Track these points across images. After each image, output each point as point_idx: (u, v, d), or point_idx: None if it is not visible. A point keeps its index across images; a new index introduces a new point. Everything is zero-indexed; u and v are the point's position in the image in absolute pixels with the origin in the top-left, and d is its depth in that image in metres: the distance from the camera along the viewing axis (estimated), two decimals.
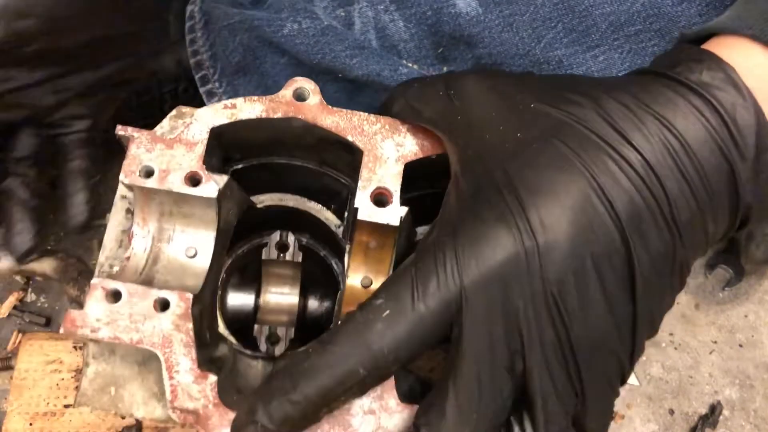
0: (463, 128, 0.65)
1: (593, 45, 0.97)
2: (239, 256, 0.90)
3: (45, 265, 0.88)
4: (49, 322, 1.20)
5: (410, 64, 1.10)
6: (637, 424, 1.18)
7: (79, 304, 0.79)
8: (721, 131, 0.57)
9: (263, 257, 0.81)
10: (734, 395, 1.21)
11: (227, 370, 0.72)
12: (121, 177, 0.68)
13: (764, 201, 0.60)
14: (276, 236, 0.82)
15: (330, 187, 0.85)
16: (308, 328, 0.84)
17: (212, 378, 0.64)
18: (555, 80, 0.66)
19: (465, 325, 0.57)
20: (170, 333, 0.64)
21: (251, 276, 0.87)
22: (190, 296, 0.65)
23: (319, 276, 0.88)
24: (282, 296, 0.75)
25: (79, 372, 1.02)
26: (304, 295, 0.85)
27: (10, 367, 1.08)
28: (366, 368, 0.59)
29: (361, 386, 0.60)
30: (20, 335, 1.14)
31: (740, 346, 1.24)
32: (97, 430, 0.97)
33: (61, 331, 0.64)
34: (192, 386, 0.63)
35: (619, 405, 1.17)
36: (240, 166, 0.81)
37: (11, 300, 1.21)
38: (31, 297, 1.23)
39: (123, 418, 0.95)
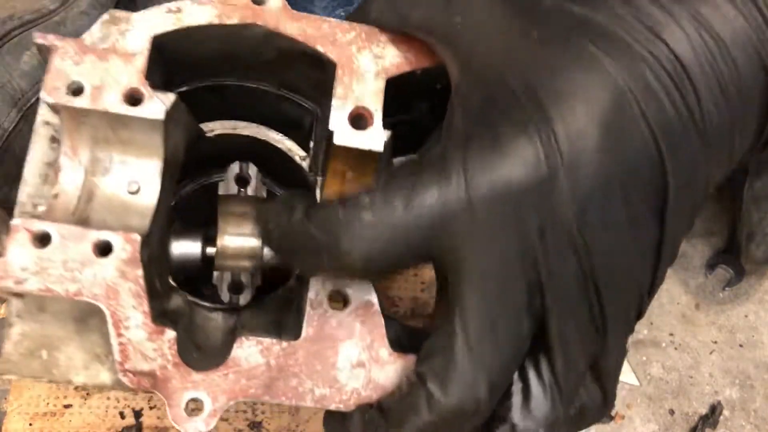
0: (465, 33, 0.55)
1: None
2: (183, 197, 0.79)
3: None
4: None
5: None
6: (637, 424, 1.17)
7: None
8: (761, 34, 0.50)
9: (219, 192, 0.69)
10: (734, 395, 1.21)
11: (184, 325, 0.62)
12: (43, 95, 0.55)
13: None
14: (235, 168, 0.71)
15: (290, 114, 0.74)
16: (270, 274, 0.74)
17: (170, 333, 0.53)
18: None
19: (470, 249, 0.49)
20: (115, 282, 0.53)
21: (199, 220, 0.76)
22: (138, 237, 0.54)
23: None
24: (242, 238, 0.64)
25: None
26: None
27: None
28: (331, 267, 0.53)
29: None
30: None
31: (740, 346, 1.24)
32: (97, 431, 0.91)
33: None
34: (146, 344, 0.53)
35: (619, 405, 1.16)
36: (184, 89, 0.69)
37: None
38: None
39: (58, 385, 0.90)
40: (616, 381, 0.56)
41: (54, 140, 0.61)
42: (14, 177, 1.12)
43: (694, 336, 1.24)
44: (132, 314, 0.53)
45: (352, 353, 0.56)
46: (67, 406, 0.93)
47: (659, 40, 0.49)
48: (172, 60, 0.64)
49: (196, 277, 0.80)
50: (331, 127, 0.59)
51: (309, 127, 0.74)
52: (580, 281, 0.50)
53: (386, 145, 0.61)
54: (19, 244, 0.53)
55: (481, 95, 0.52)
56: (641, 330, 1.23)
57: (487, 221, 0.49)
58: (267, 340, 0.55)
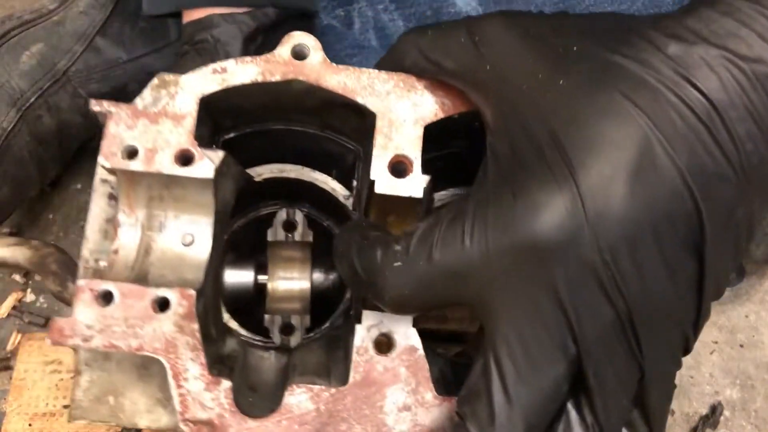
0: (495, 80, 0.56)
1: None
2: (235, 231, 0.82)
3: (18, 254, 0.79)
4: (48, 323, 1.14)
5: None
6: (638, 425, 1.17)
7: (63, 301, 0.71)
8: None
9: (269, 239, 0.72)
10: (735, 395, 1.21)
11: (239, 367, 0.65)
12: (101, 160, 0.59)
13: None
14: (282, 214, 0.73)
15: (333, 152, 0.77)
16: (315, 303, 0.77)
17: (226, 383, 0.57)
18: (596, 19, 0.58)
19: (497, 301, 0.51)
20: (174, 336, 0.57)
21: (249, 250, 0.80)
22: (193, 293, 0.57)
23: (323, 248, 0.81)
24: (291, 282, 0.67)
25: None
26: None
27: (10, 368, 1.04)
28: (374, 301, 0.57)
29: None
30: (19, 335, 1.11)
31: (741, 346, 1.24)
32: (96, 431, 0.94)
33: (48, 342, 0.56)
34: (204, 394, 0.56)
35: None
36: (232, 135, 0.72)
37: (10, 300, 1.18)
38: (30, 297, 1.19)
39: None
40: (664, 418, 0.57)
41: (111, 197, 0.65)
42: (13, 176, 1.16)
43: None
44: (190, 366, 0.57)
45: (398, 397, 0.58)
46: (66, 407, 0.94)
47: (688, 83, 0.49)
48: (219, 112, 0.67)
49: (249, 306, 0.84)
50: (372, 176, 0.61)
51: (352, 163, 0.76)
52: (616, 326, 0.51)
53: (426, 189, 0.63)
54: (85, 303, 0.57)
55: (509, 146, 0.53)
56: None
57: (508, 276, 0.50)
58: (316, 387, 0.57)
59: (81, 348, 0.56)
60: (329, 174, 0.79)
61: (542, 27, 0.58)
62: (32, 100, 1.05)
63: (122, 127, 0.60)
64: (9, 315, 1.16)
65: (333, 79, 0.63)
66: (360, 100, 0.63)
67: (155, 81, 0.62)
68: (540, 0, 0.91)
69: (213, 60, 0.91)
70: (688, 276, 0.52)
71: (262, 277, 0.77)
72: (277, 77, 0.62)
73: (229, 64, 0.62)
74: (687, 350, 0.56)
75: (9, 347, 1.12)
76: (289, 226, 0.73)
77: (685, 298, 0.52)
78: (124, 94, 1.13)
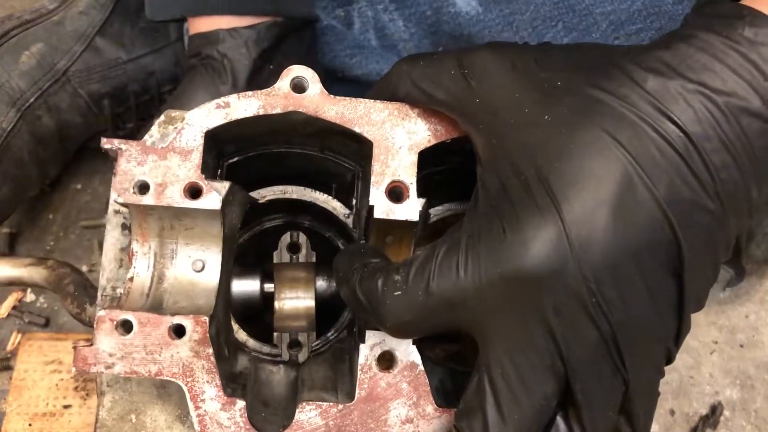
0: (484, 112, 0.60)
1: None
2: (241, 244, 0.85)
3: (35, 275, 0.83)
4: (48, 323, 1.19)
5: None
6: None
7: (82, 322, 0.75)
8: (765, 93, 0.53)
9: (274, 260, 0.76)
10: (735, 396, 1.20)
11: (250, 384, 0.69)
12: (114, 196, 0.62)
13: None
14: (287, 238, 0.77)
15: (332, 171, 0.80)
16: (321, 309, 0.80)
17: (240, 403, 0.61)
18: (577, 52, 0.61)
19: (489, 326, 0.56)
20: (190, 361, 0.61)
21: (254, 261, 0.83)
22: (206, 320, 0.61)
23: (325, 256, 0.84)
24: (297, 301, 0.71)
25: (78, 372, 0.99)
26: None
27: (10, 368, 1.06)
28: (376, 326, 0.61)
29: None
30: (20, 335, 1.12)
31: (741, 346, 1.23)
32: None
33: (73, 371, 0.59)
34: (220, 414, 0.61)
35: None
36: (235, 159, 0.75)
37: (11, 300, 1.19)
38: (30, 297, 1.20)
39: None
40: (648, 423, 0.62)
41: (125, 227, 0.68)
42: (13, 176, 1.16)
43: (695, 336, 1.23)
44: (207, 389, 0.61)
45: (401, 411, 0.62)
46: (66, 407, 0.95)
47: (665, 117, 0.53)
48: (223, 141, 0.70)
49: (258, 314, 0.87)
50: (371, 201, 0.64)
51: (351, 180, 0.79)
52: (600, 347, 0.55)
53: (421, 211, 0.66)
54: (106, 333, 0.61)
55: (497, 180, 0.57)
56: None
57: (500, 304, 0.55)
58: (325, 404, 0.62)
59: (104, 374, 0.60)
60: (329, 190, 0.82)
61: (528, 60, 0.61)
62: (32, 100, 1.05)
63: (133, 164, 0.63)
64: (9, 315, 1.17)
65: (331, 110, 0.66)
66: (357, 129, 0.66)
67: (162, 117, 0.65)
68: (540, 0, 0.93)
69: (220, 76, 0.94)
70: (668, 297, 0.56)
71: (268, 286, 0.81)
72: (277, 110, 0.65)
73: (232, 98, 0.65)
74: (669, 361, 0.60)
75: (9, 347, 1.13)
76: (294, 247, 0.76)
77: (665, 316, 0.57)
78: (124, 94, 1.14)
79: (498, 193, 0.57)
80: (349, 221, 0.77)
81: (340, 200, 0.79)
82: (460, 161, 0.78)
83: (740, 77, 0.53)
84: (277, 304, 0.71)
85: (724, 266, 1.20)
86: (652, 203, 0.53)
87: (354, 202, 0.78)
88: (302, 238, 0.77)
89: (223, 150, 0.74)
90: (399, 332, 0.60)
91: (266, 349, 0.78)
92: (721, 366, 1.22)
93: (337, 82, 1.06)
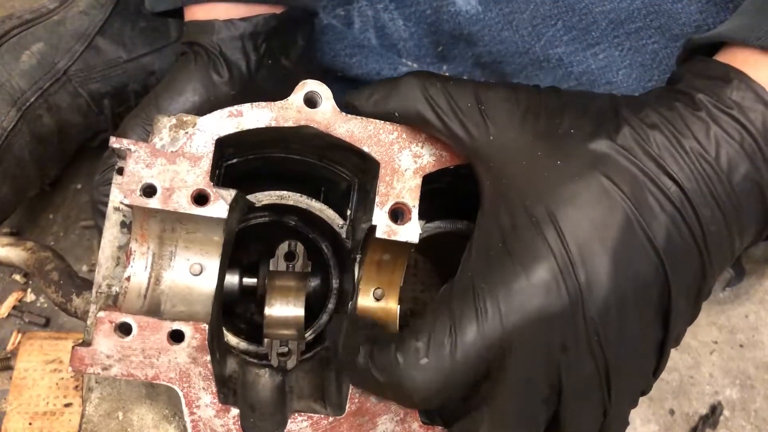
0: (497, 153, 0.61)
1: (593, 43, 0.93)
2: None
3: (12, 255, 0.80)
4: (48, 323, 1.15)
5: (410, 63, 1.03)
6: (638, 425, 1.15)
7: (66, 312, 0.73)
8: (752, 153, 0.55)
9: (270, 268, 0.76)
10: (735, 395, 1.18)
11: (240, 392, 0.69)
12: (120, 197, 0.61)
13: None
14: (285, 246, 0.77)
15: (327, 177, 0.80)
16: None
17: (234, 411, 0.60)
18: (588, 99, 0.63)
19: (508, 368, 0.55)
20: (187, 367, 0.60)
21: (236, 256, 0.83)
22: (206, 327, 0.61)
23: (310, 257, 0.85)
24: (286, 309, 0.72)
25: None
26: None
27: (10, 367, 1.02)
28: (395, 400, 0.60)
29: None
30: (20, 335, 1.09)
31: (741, 346, 1.21)
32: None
33: (69, 370, 0.59)
34: (214, 421, 0.60)
35: None
36: (234, 161, 0.74)
37: (11, 300, 1.16)
38: (30, 297, 1.17)
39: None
40: None
41: (124, 225, 0.66)
42: (14, 176, 1.14)
43: (694, 336, 1.21)
44: (202, 395, 0.60)
45: (388, 426, 0.63)
46: (66, 405, 0.93)
47: (664, 173, 0.55)
48: (226, 146, 0.69)
49: (236, 308, 0.87)
50: (374, 221, 0.65)
51: (344, 189, 0.80)
52: (594, 378, 0.56)
53: (420, 233, 0.67)
54: (104, 334, 0.59)
55: (508, 220, 0.57)
56: None
57: (521, 348, 0.54)
58: (316, 416, 0.62)
59: (101, 376, 0.60)
60: (318, 194, 0.82)
61: (541, 104, 0.62)
62: (32, 99, 1.02)
63: (141, 166, 0.61)
64: (9, 315, 1.15)
65: (342, 128, 0.66)
66: (366, 149, 0.65)
67: (173, 121, 0.64)
68: None
69: (215, 66, 0.91)
70: (655, 336, 0.57)
71: (246, 280, 0.81)
72: (289, 123, 0.64)
73: (245, 108, 0.64)
74: (644, 393, 0.64)
75: (9, 347, 1.11)
76: (290, 256, 0.77)
77: (650, 353, 0.58)
78: (125, 93, 1.12)
79: (508, 232, 0.56)
80: (343, 231, 0.78)
81: (329, 204, 0.79)
82: (449, 181, 0.80)
83: (732, 139, 0.55)
84: (267, 311, 0.71)
85: None
86: (650, 249, 0.54)
87: (348, 213, 0.78)
88: (299, 248, 0.77)
89: (224, 153, 0.73)
90: (426, 403, 0.57)
91: (251, 347, 0.78)
92: (721, 366, 1.19)
93: (337, 82, 1.04)
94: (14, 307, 1.16)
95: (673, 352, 1.20)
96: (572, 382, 0.56)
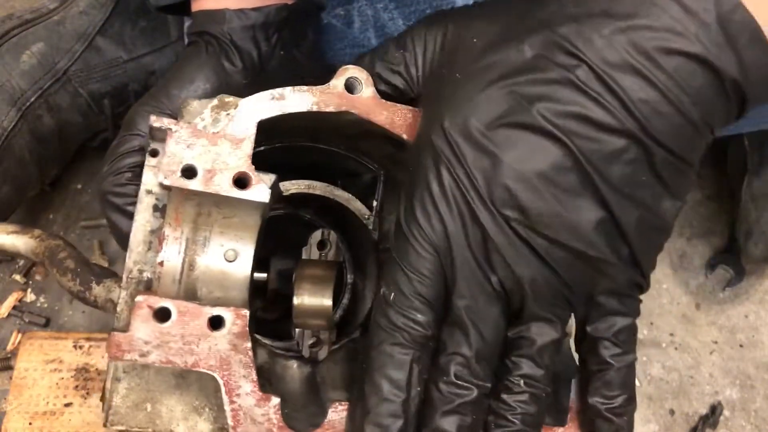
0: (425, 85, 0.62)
1: None
2: None
3: (19, 243, 0.76)
4: (48, 323, 1.12)
5: None
6: (637, 424, 1.13)
7: (85, 301, 0.70)
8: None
9: (303, 256, 0.74)
10: (735, 395, 1.18)
11: (268, 378, 0.67)
12: (160, 177, 0.58)
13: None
14: (318, 235, 0.75)
15: (349, 168, 0.79)
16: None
17: (275, 400, 0.58)
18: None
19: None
20: (228, 354, 0.58)
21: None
22: (246, 313, 0.58)
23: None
24: (314, 299, 0.70)
25: (78, 371, 0.92)
26: None
27: (10, 368, 0.99)
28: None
29: None
30: (20, 335, 1.07)
31: (741, 346, 1.21)
32: (97, 430, 0.90)
33: (106, 357, 0.56)
34: (255, 410, 0.58)
35: None
36: (262, 148, 0.73)
37: (11, 300, 1.14)
38: (30, 297, 1.14)
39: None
40: None
41: (156, 209, 0.64)
42: (14, 176, 1.11)
43: (695, 336, 1.21)
44: (242, 383, 0.58)
45: None
46: (67, 405, 0.92)
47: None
48: (261, 131, 0.68)
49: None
50: None
51: (369, 182, 0.79)
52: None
53: None
54: (142, 319, 0.57)
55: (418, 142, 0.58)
56: (641, 330, 1.19)
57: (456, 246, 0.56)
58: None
59: (138, 363, 0.57)
60: (335, 184, 0.81)
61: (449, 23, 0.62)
62: (32, 99, 1.01)
63: (182, 146, 0.59)
64: (9, 315, 1.13)
65: (382, 115, 0.65)
66: (405, 136, 0.65)
67: (215, 102, 0.62)
68: None
69: (227, 55, 0.90)
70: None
71: (258, 275, 0.79)
72: (331, 108, 0.63)
73: (286, 91, 0.63)
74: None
75: (9, 347, 1.09)
76: (322, 245, 0.75)
77: None
78: (125, 93, 1.10)
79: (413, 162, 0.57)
80: (370, 223, 0.77)
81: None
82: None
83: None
84: (296, 300, 0.70)
85: (723, 266, 1.22)
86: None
87: (374, 204, 0.77)
88: (332, 236, 0.75)
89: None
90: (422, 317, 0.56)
91: (268, 341, 0.76)
92: (721, 366, 1.20)
93: None
94: (14, 307, 1.13)
95: (673, 352, 1.23)
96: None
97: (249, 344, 0.57)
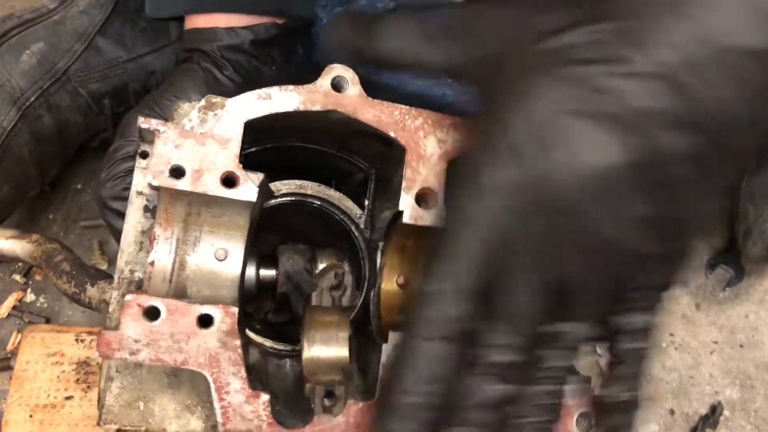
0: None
1: None
2: None
3: (17, 248, 0.77)
4: (48, 322, 1.12)
5: None
6: (638, 424, 1.14)
7: (79, 302, 0.71)
8: None
9: (313, 302, 0.72)
10: (735, 395, 1.18)
11: (259, 376, 0.68)
12: (149, 178, 0.59)
13: None
14: (331, 278, 0.73)
15: (341, 168, 0.79)
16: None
17: (264, 397, 0.59)
18: None
19: None
20: (217, 351, 0.58)
21: (251, 244, 0.80)
22: (235, 311, 0.59)
23: (336, 238, 0.82)
24: (328, 349, 0.64)
25: (80, 364, 0.93)
26: (314, 265, 0.78)
27: (10, 368, 1.00)
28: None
29: None
30: (20, 335, 1.07)
31: (741, 346, 1.21)
32: (98, 429, 0.90)
33: (97, 354, 0.56)
34: (244, 407, 0.58)
35: None
36: (253, 149, 0.73)
37: (11, 300, 1.14)
38: (30, 297, 1.15)
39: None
40: None
41: (147, 209, 0.65)
42: (14, 176, 1.12)
43: (695, 336, 1.20)
44: (232, 380, 0.58)
45: None
46: (68, 398, 0.92)
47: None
48: (251, 131, 0.68)
49: (253, 303, 0.84)
50: (400, 206, 0.65)
51: (360, 181, 0.79)
52: None
53: None
54: (132, 317, 0.57)
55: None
56: None
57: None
58: (349, 401, 0.61)
59: (128, 361, 0.58)
60: (329, 184, 0.81)
61: None
62: (32, 99, 1.02)
63: (170, 147, 0.60)
64: (9, 315, 1.13)
65: (369, 113, 0.65)
66: (392, 134, 0.65)
67: (202, 102, 0.62)
68: None
69: (218, 68, 0.91)
70: None
71: (264, 273, 0.78)
72: (317, 107, 0.64)
73: (273, 91, 0.63)
74: None
75: (9, 347, 1.10)
76: (338, 287, 0.73)
77: None
78: (125, 93, 1.11)
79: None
80: (362, 221, 0.77)
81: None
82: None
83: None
84: (306, 353, 0.63)
85: (723, 266, 1.21)
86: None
87: (366, 203, 0.77)
88: (347, 278, 0.74)
89: (244, 140, 0.72)
90: None
91: (268, 343, 0.76)
92: (721, 366, 1.19)
93: None
94: (14, 307, 1.14)
95: (673, 352, 1.23)
96: None
97: (238, 342, 0.58)
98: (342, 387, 0.67)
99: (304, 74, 0.95)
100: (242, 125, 0.61)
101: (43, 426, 0.91)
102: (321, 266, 0.75)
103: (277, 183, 0.74)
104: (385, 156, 0.70)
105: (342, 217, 0.76)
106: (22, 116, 1.04)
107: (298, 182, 0.74)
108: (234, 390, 0.58)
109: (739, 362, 1.20)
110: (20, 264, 1.16)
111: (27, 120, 1.04)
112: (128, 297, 0.56)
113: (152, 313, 0.57)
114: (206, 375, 0.57)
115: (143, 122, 0.59)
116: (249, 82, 0.91)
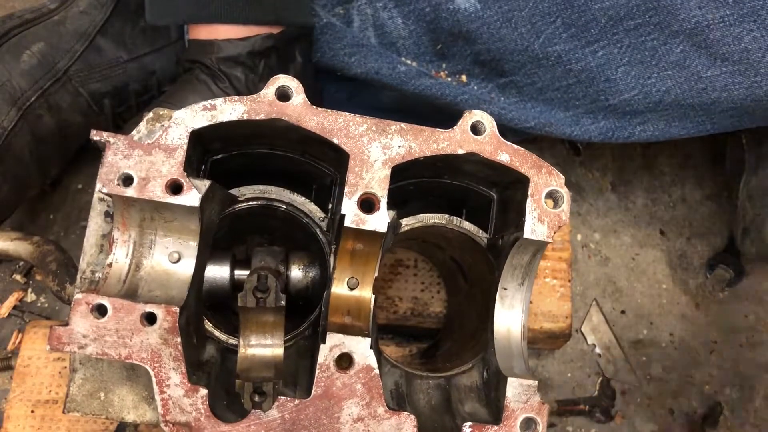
0: None
1: (592, 40, 0.94)
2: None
3: (20, 249, 0.85)
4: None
5: (409, 61, 1.06)
6: (637, 424, 1.15)
7: (61, 299, 0.77)
8: None
9: (239, 303, 0.76)
10: (734, 395, 1.17)
11: (216, 372, 0.72)
12: (99, 186, 0.64)
13: None
14: (254, 280, 0.76)
15: (312, 173, 0.82)
16: (293, 299, 0.82)
17: (203, 391, 0.63)
18: None
19: None
20: (159, 347, 0.63)
21: (226, 245, 0.83)
22: (177, 310, 0.64)
23: (302, 242, 0.85)
24: (264, 348, 0.69)
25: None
26: (286, 266, 0.82)
27: (11, 367, 1.04)
28: None
29: None
30: (20, 335, 1.10)
31: (741, 346, 1.20)
32: (97, 419, 0.92)
33: (47, 348, 0.62)
34: (183, 400, 0.63)
35: (619, 405, 1.15)
36: (220, 156, 0.77)
37: (11, 300, 1.17)
38: (31, 297, 1.18)
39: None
40: None
41: (108, 215, 0.70)
42: (14, 176, 1.15)
43: (694, 336, 1.21)
44: (172, 375, 0.63)
45: (353, 410, 0.65)
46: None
47: None
48: (208, 140, 0.72)
49: (226, 302, 0.89)
50: (342, 210, 0.67)
51: (329, 183, 0.82)
52: None
53: (390, 223, 0.68)
54: (81, 315, 0.63)
55: None
56: (641, 330, 1.20)
57: None
58: (282, 398, 0.64)
59: (76, 354, 0.63)
60: (310, 191, 0.84)
61: None
62: (33, 99, 1.04)
63: (119, 157, 0.65)
64: (10, 315, 1.16)
65: (312, 121, 0.68)
66: (336, 140, 0.68)
67: (150, 114, 0.67)
68: None
69: (215, 80, 0.96)
70: None
71: (238, 273, 0.82)
72: (261, 116, 0.67)
73: (219, 102, 0.67)
74: None
75: (10, 347, 1.12)
76: (263, 290, 0.76)
77: None
78: (125, 93, 1.14)
79: None
80: (324, 224, 0.80)
81: (319, 201, 0.81)
82: (431, 175, 0.81)
83: None
84: (241, 352, 0.68)
85: (723, 266, 1.23)
86: None
87: (330, 206, 0.80)
88: (271, 281, 0.75)
89: (209, 148, 0.76)
90: None
91: (233, 341, 0.80)
92: (721, 366, 1.20)
93: (336, 81, 1.07)
94: (15, 307, 1.18)
95: (673, 352, 1.26)
96: None
97: (179, 339, 0.62)
98: (270, 384, 0.71)
99: (302, 80, 0.98)
100: (188, 135, 0.65)
101: (44, 422, 0.94)
102: (280, 268, 0.78)
103: (242, 188, 0.77)
104: (339, 161, 0.72)
105: (307, 220, 0.79)
106: (23, 116, 1.05)
107: (261, 187, 0.78)
108: (174, 384, 0.62)
109: (739, 362, 1.20)
110: (21, 264, 1.20)
111: (28, 120, 1.06)
112: (78, 296, 0.62)
113: (100, 311, 0.62)
114: (148, 369, 0.62)
115: (95, 134, 0.65)
116: (245, 93, 0.95)
